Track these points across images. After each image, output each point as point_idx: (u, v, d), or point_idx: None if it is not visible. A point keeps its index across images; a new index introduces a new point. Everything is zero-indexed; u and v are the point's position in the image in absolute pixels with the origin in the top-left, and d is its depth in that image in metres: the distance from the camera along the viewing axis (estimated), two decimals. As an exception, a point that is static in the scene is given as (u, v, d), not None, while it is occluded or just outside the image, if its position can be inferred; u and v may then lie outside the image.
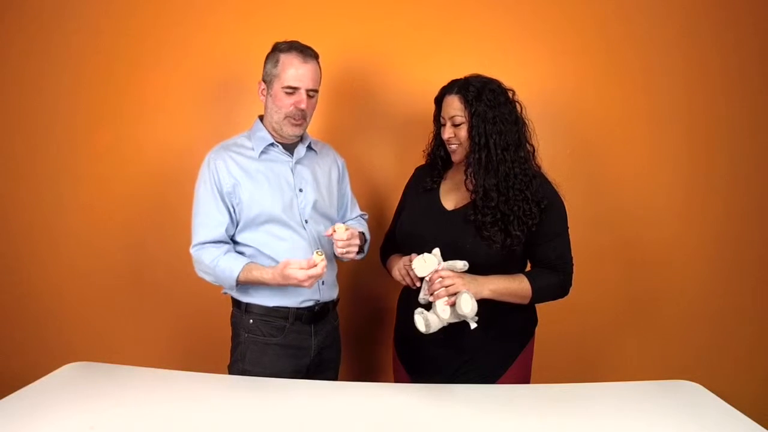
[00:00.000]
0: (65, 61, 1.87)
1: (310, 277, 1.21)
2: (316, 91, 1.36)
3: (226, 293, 1.41)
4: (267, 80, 1.34)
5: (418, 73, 1.80)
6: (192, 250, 1.33)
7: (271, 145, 1.37)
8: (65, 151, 1.90)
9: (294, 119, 1.33)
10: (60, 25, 1.86)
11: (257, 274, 1.28)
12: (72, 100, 1.88)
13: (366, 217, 1.60)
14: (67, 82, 1.88)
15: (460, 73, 1.30)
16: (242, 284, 1.31)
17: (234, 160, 1.34)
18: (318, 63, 1.35)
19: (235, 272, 1.27)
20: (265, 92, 1.36)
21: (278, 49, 1.33)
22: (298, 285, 1.24)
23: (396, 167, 1.83)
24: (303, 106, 1.32)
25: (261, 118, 1.42)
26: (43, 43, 1.88)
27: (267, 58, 1.35)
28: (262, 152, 1.36)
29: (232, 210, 1.33)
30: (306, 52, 1.32)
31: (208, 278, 1.34)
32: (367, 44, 1.82)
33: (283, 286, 1.28)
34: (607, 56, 1.82)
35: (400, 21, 1.82)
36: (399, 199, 1.51)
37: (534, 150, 1.30)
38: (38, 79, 1.89)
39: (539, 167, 1.31)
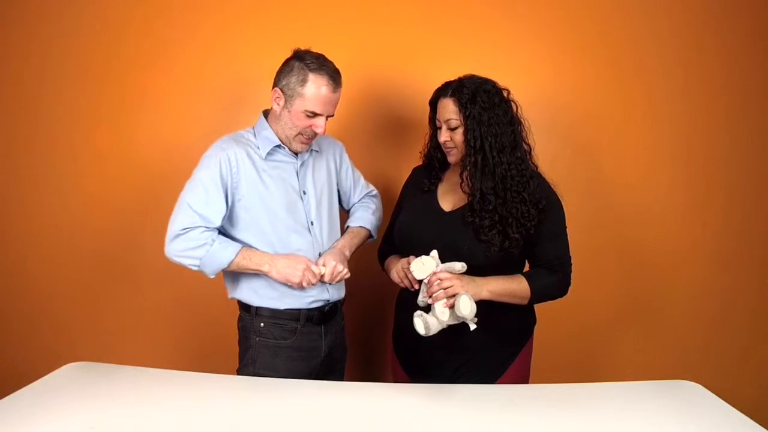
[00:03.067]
0: (65, 60, 1.87)
1: (306, 274, 1.25)
2: (334, 114, 1.34)
3: (233, 298, 1.40)
4: (287, 94, 1.27)
5: (417, 72, 1.80)
6: (176, 230, 1.24)
7: (278, 146, 1.35)
8: (65, 151, 1.90)
9: (306, 137, 1.32)
10: (60, 25, 1.86)
11: (257, 253, 1.28)
12: (72, 99, 1.88)
13: (374, 193, 1.58)
14: (67, 82, 1.88)
15: (460, 73, 1.30)
16: (234, 266, 1.27)
17: (244, 156, 1.31)
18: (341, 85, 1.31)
19: (234, 252, 1.24)
20: (281, 103, 1.30)
21: (306, 65, 1.25)
22: (291, 275, 1.25)
23: (394, 167, 1.83)
24: (320, 130, 1.30)
25: (266, 113, 1.38)
26: (43, 43, 1.87)
27: (291, 68, 1.27)
28: (268, 153, 1.34)
29: (230, 205, 1.30)
30: (336, 79, 1.28)
31: (189, 262, 1.26)
32: (366, 44, 1.82)
33: (278, 268, 1.26)
34: (607, 56, 1.83)
35: (400, 21, 1.82)
36: (396, 200, 1.51)
37: (530, 149, 1.29)
38: (38, 78, 1.89)
39: (536, 166, 1.31)
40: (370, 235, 1.51)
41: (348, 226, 1.49)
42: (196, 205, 1.26)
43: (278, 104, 1.31)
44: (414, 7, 1.82)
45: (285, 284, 1.30)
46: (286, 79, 1.28)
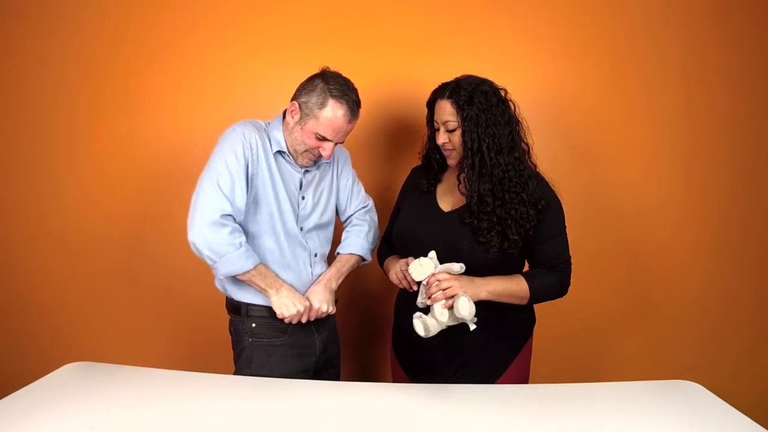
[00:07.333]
0: (65, 60, 1.87)
1: (296, 318, 1.30)
2: (344, 141, 1.34)
3: (223, 289, 1.39)
4: (304, 111, 1.27)
5: (417, 72, 1.80)
6: (213, 214, 1.20)
7: (283, 152, 1.35)
8: (65, 151, 1.90)
9: (312, 155, 1.33)
10: (60, 25, 1.86)
11: (270, 276, 1.30)
12: (72, 100, 1.88)
13: (369, 206, 1.55)
14: (66, 83, 1.88)
15: (460, 73, 1.30)
16: (243, 277, 1.27)
17: (263, 147, 1.31)
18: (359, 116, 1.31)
19: (252, 263, 1.26)
20: (296, 117, 1.29)
21: (329, 89, 1.25)
22: (285, 309, 1.28)
23: (393, 167, 1.83)
24: (326, 154, 1.30)
25: (285, 114, 1.37)
26: (43, 43, 1.87)
27: (314, 87, 1.27)
28: (275, 153, 1.34)
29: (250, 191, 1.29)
30: (354, 110, 1.28)
31: (207, 253, 1.21)
32: (365, 44, 1.81)
33: (280, 297, 1.29)
34: (607, 56, 1.82)
35: (399, 21, 1.82)
36: (395, 200, 1.51)
37: (529, 149, 1.29)
38: (38, 79, 1.89)
39: (535, 166, 1.31)
40: (362, 260, 1.49)
41: (338, 253, 1.48)
42: (225, 188, 1.23)
43: (293, 117, 1.31)
44: (413, 7, 1.82)
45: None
46: (306, 97, 1.27)
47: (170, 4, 1.84)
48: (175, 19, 1.84)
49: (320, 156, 1.33)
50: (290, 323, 1.32)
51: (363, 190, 1.56)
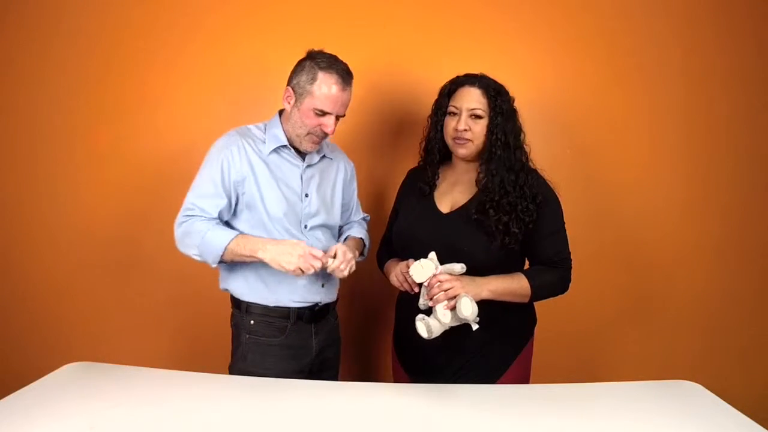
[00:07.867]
0: (64, 60, 1.87)
1: (304, 260, 1.20)
2: (344, 114, 1.34)
3: (225, 289, 1.40)
4: (298, 92, 1.29)
5: (416, 73, 1.80)
6: (180, 218, 1.29)
7: (284, 146, 1.35)
8: (65, 151, 1.90)
9: (316, 136, 1.32)
10: (59, 25, 1.86)
11: (252, 239, 1.27)
12: (71, 100, 1.88)
13: (368, 218, 1.61)
14: (66, 83, 1.88)
15: (459, 73, 1.31)
16: (229, 254, 1.25)
17: (249, 150, 1.32)
18: (352, 85, 1.32)
19: (228, 238, 1.25)
20: (291, 101, 1.31)
21: (317, 63, 1.27)
22: (285, 262, 1.20)
23: (393, 168, 1.83)
24: (329, 130, 1.30)
25: (281, 113, 1.39)
26: (43, 43, 1.87)
27: (303, 67, 1.29)
28: (274, 151, 1.34)
29: (234, 199, 1.31)
30: (346, 78, 1.28)
31: (191, 251, 1.28)
32: (364, 45, 1.81)
33: (272, 254, 1.22)
34: (607, 56, 1.83)
35: (398, 21, 1.82)
36: (393, 202, 1.51)
37: (528, 151, 1.32)
38: (37, 78, 1.88)
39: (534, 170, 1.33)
40: (362, 253, 1.50)
41: (348, 236, 1.49)
42: (197, 201, 1.30)
43: (289, 103, 1.32)
44: (414, 7, 1.82)
45: (281, 271, 1.24)
46: (297, 78, 1.29)
47: (170, 4, 1.84)
48: (175, 19, 1.84)
49: (324, 136, 1.32)
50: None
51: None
